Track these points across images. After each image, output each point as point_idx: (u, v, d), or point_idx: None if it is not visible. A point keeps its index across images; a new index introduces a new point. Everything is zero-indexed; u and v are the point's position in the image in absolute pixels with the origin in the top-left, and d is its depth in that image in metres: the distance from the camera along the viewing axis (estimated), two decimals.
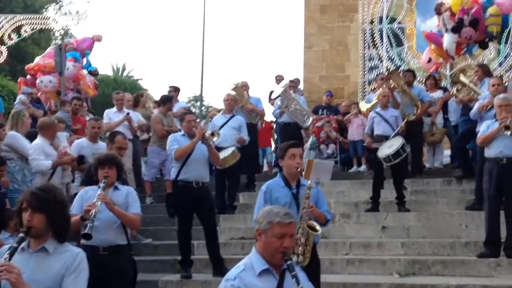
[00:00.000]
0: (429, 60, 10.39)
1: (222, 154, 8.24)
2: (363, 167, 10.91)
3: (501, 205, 6.66)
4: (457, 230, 7.62)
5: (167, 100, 9.73)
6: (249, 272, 3.10)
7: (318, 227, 4.35)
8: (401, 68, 12.77)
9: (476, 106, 7.97)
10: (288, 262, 3.10)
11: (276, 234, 3.09)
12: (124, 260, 4.86)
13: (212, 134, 7.09)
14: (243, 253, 6.31)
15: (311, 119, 10.51)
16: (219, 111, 10.37)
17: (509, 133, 6.38)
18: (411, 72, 10.20)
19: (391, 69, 11.82)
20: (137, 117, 9.67)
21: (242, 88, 10.00)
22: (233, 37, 71.17)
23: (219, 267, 6.64)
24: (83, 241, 4.89)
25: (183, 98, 32.77)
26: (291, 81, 11.13)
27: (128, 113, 9.33)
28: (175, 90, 11.38)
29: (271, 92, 11.90)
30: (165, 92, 11.31)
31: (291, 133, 9.69)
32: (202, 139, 6.68)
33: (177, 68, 68.88)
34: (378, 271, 6.83)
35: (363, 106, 10.33)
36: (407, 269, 6.70)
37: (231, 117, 8.87)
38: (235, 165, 8.47)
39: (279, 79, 11.91)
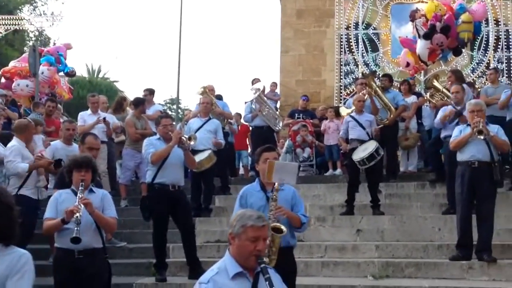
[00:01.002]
0: (407, 65, 10.52)
1: (198, 157, 8.24)
2: (338, 171, 11.00)
3: (473, 208, 6.78)
4: (430, 233, 7.73)
5: (140, 103, 9.69)
6: (222, 275, 3.10)
7: (284, 228, 4.34)
8: (378, 73, 12.93)
9: (439, 116, 8.11)
10: (262, 265, 3.12)
11: (249, 237, 3.10)
12: (99, 263, 4.83)
13: (189, 138, 7.08)
14: (218, 256, 6.30)
15: (281, 123, 10.58)
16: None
17: (482, 137, 6.50)
18: (387, 77, 10.32)
19: (368, 73, 11.91)
20: (112, 119, 9.59)
21: (209, 92, 10.02)
22: (210, 40, 71.11)
23: (196, 270, 6.63)
24: (57, 244, 4.85)
25: (159, 101, 32.73)
26: (272, 84, 11.18)
27: (104, 118, 9.23)
28: (151, 93, 11.32)
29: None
30: (141, 94, 11.23)
31: (263, 137, 9.73)
32: (179, 143, 6.67)
33: (154, 70, 68.50)
34: (353, 273, 6.89)
35: (344, 111, 10.40)
36: (381, 272, 6.77)
37: (207, 120, 8.87)
38: (211, 168, 8.47)
39: (255, 82, 11.93)
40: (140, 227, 8.29)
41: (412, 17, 10.78)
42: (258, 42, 71.34)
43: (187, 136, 7.08)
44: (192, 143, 7.18)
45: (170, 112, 27.57)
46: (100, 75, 35.79)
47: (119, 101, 10.64)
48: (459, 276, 6.58)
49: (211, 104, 9.28)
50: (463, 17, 10.08)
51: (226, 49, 69.49)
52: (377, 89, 9.75)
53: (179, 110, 24.38)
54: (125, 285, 6.69)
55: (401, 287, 6.31)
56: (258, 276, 3.13)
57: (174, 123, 10.86)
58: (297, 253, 6.32)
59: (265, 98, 10.42)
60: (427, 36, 9.96)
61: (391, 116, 9.59)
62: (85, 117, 9.34)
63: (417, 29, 10.13)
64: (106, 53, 66.01)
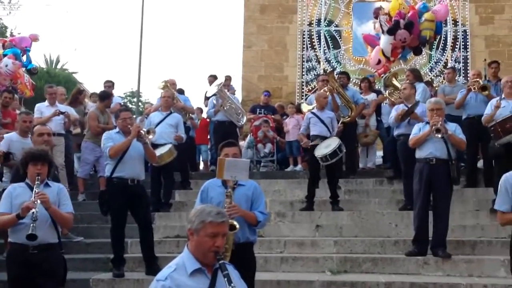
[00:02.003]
0: (379, 62, 10.63)
1: (159, 151, 8.15)
2: (299, 167, 11.07)
3: (430, 205, 6.93)
4: (388, 229, 7.86)
5: (106, 97, 9.52)
6: (180, 272, 3.07)
7: (237, 226, 4.32)
8: (337, 70, 13.06)
9: (392, 114, 8.26)
10: (220, 262, 3.10)
11: (208, 233, 3.08)
12: (54, 259, 4.73)
13: (148, 132, 7.00)
14: (178, 252, 6.26)
15: (245, 118, 10.54)
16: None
17: (439, 136, 6.64)
18: (345, 75, 10.41)
19: (329, 71, 12.00)
20: (70, 112, 9.39)
21: (171, 86, 9.94)
22: (173, 33, 70.40)
23: (153, 266, 6.58)
24: (10, 239, 4.73)
25: (119, 94, 32.26)
26: (226, 79, 11.11)
27: (65, 112, 9.02)
28: (112, 84, 11.15)
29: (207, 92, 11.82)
30: (101, 86, 11.05)
31: (226, 131, 9.68)
32: (138, 137, 6.59)
33: (114, 62, 67.45)
34: (311, 268, 6.95)
35: (305, 107, 10.46)
36: (339, 267, 6.85)
37: (168, 114, 8.79)
38: (171, 163, 8.40)
39: (210, 80, 11.88)
40: (98, 221, 8.15)
41: (376, 14, 10.91)
42: (221, 37, 71.10)
43: (146, 130, 6.99)
44: (151, 136, 7.10)
45: (130, 105, 27.25)
46: (59, 66, 34.96)
47: (75, 94, 10.42)
48: (414, 271, 6.71)
49: (172, 98, 9.20)
50: (426, 15, 10.26)
51: (189, 43, 69.01)
52: (339, 86, 9.83)
53: (140, 104, 24.06)
54: (81, 280, 6.59)
55: (358, 282, 6.39)
56: (216, 273, 3.12)
57: (134, 116, 10.75)
58: (257, 249, 6.31)
59: (228, 93, 10.34)
60: (391, 31, 10.10)
61: (352, 113, 9.70)
62: (42, 109, 9.10)
63: (381, 25, 10.25)
64: (65, 44, 64.63)
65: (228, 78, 11.98)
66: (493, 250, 7.03)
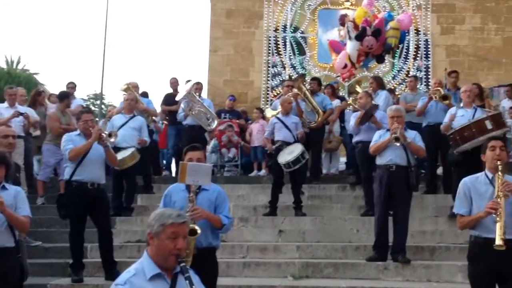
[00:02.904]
0: (345, 66, 10.73)
1: (121, 155, 8.06)
2: (263, 172, 11.09)
3: (390, 211, 7.03)
4: (349, 234, 7.94)
5: (64, 97, 9.35)
6: (140, 277, 3.03)
7: (199, 230, 4.30)
8: (307, 76, 13.14)
9: (352, 122, 8.37)
10: (182, 265, 3.08)
11: (169, 235, 3.06)
12: (9, 263, 4.60)
13: (110, 135, 6.90)
14: (139, 256, 6.09)
15: (216, 122, 10.45)
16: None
17: (398, 144, 6.75)
18: (316, 81, 10.47)
19: (296, 76, 12.05)
20: (31, 113, 9.19)
21: (133, 88, 9.84)
22: (138, 36, 69.77)
23: (112, 271, 6.48)
24: None
25: (82, 96, 31.73)
26: (196, 83, 11.04)
27: (24, 113, 8.82)
28: (74, 86, 10.97)
29: (166, 95, 11.72)
30: (63, 87, 10.84)
31: (194, 136, 9.61)
32: (99, 140, 6.49)
33: (77, 63, 66.43)
34: (274, 274, 6.96)
35: (269, 112, 10.49)
36: (301, 272, 6.88)
37: (131, 117, 8.68)
38: (133, 167, 8.30)
39: (172, 82, 11.79)
40: (57, 226, 8.00)
41: (342, 21, 11.03)
42: (187, 41, 70.83)
43: (107, 133, 6.89)
44: (112, 140, 6.99)
45: (93, 108, 26.86)
46: (20, 67, 34.23)
47: (33, 96, 10.20)
48: (374, 276, 6.80)
49: (135, 101, 9.11)
50: (392, 23, 10.44)
51: (154, 46, 68.45)
52: (306, 92, 9.90)
53: (103, 106, 23.74)
54: (39, 286, 6.44)
55: (319, 287, 6.43)
56: (176, 278, 3.09)
57: (97, 119, 10.59)
58: (219, 254, 6.26)
59: (197, 97, 10.25)
60: (359, 37, 10.23)
61: (319, 119, 9.77)
62: (1, 110, 8.88)
63: (348, 31, 10.37)
64: (26, 44, 63.37)
65: (173, 80, 11.90)
66: (451, 255, 7.18)
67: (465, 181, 4.57)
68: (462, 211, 4.50)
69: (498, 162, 4.38)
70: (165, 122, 11.73)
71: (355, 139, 8.41)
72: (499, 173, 4.34)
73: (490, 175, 4.45)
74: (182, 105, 10.08)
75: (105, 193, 6.86)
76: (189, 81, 11.18)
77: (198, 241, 4.41)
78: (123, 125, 8.53)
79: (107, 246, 6.68)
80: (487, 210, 4.25)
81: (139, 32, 68.09)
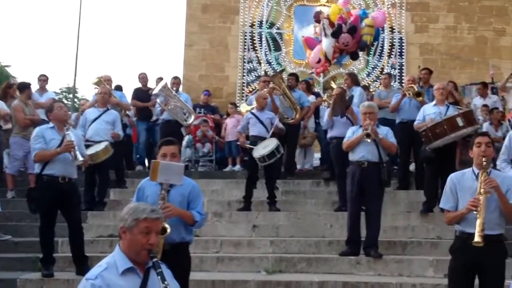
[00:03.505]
0: (319, 61, 10.75)
1: (94, 149, 7.99)
2: (237, 167, 11.08)
3: (363, 206, 7.09)
4: (323, 229, 7.98)
5: (25, 87, 9.22)
6: (111, 271, 3.00)
7: (168, 229, 4.27)
8: (285, 72, 13.15)
9: (325, 116, 8.41)
10: (154, 260, 3.06)
11: (142, 230, 3.03)
12: None
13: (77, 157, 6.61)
14: (111, 251, 6.05)
15: (193, 117, 10.37)
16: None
17: (369, 140, 6.81)
18: (294, 76, 10.46)
19: (275, 72, 12.04)
20: (0, 106, 9.02)
21: (106, 82, 9.73)
22: (112, 29, 68.93)
23: (83, 265, 6.40)
24: None
25: (55, 89, 31.28)
26: (174, 78, 10.96)
27: None
28: (46, 79, 10.79)
29: (136, 90, 11.62)
30: (35, 80, 10.65)
31: (170, 131, 9.55)
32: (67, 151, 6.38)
33: (50, 56, 65.37)
34: (247, 268, 6.96)
35: (244, 107, 10.48)
36: (274, 267, 6.90)
37: (105, 111, 8.59)
38: (106, 161, 8.21)
39: (142, 77, 11.69)
40: (27, 220, 7.86)
41: (317, 18, 11.08)
42: (162, 34, 70.24)
43: (78, 155, 6.57)
44: (80, 159, 6.56)
45: (66, 101, 26.46)
46: None
47: (4, 88, 10.02)
48: (347, 271, 6.85)
49: (109, 94, 9.01)
50: (366, 21, 10.52)
51: (129, 39, 67.74)
52: (285, 88, 9.90)
53: (76, 100, 23.43)
54: (9, 280, 6.35)
55: (292, 282, 6.46)
56: (148, 272, 3.07)
57: (69, 112, 10.43)
58: (193, 249, 6.25)
59: (173, 92, 10.16)
60: (335, 34, 10.27)
61: (297, 116, 9.78)
62: None
63: (324, 28, 10.41)
64: None
65: (143, 76, 11.80)
66: (423, 250, 7.28)
67: (452, 177, 4.64)
68: (447, 206, 4.58)
69: (483, 159, 4.43)
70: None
71: (329, 134, 8.45)
72: (483, 169, 4.39)
73: (476, 171, 4.50)
74: (158, 100, 10.00)
75: (76, 187, 6.76)
76: (161, 78, 11.13)
77: (171, 237, 4.37)
78: (96, 118, 8.44)
79: (78, 240, 6.60)
80: (468, 207, 4.32)
81: (113, 25, 67.33)
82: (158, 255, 4.05)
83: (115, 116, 8.67)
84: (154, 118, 10.98)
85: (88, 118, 8.49)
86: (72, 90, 23.06)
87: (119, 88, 10.71)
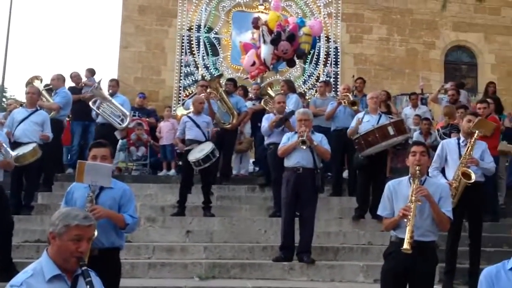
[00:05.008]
0: (253, 63, 10.76)
1: (22, 150, 7.65)
2: (172, 171, 10.94)
3: (297, 212, 7.14)
4: (257, 235, 7.99)
5: None
6: (38, 278, 2.88)
7: (95, 234, 4.14)
8: (223, 77, 13.11)
9: (265, 123, 8.46)
10: (83, 268, 2.95)
11: (72, 237, 2.93)
12: None
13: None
14: (38, 257, 5.84)
15: (128, 120, 10.10)
16: (21, 104, 9.62)
17: (304, 147, 6.88)
18: (232, 82, 10.45)
19: (213, 76, 11.99)
20: None
21: (73, 78, 9.41)
22: (46, 27, 66.67)
23: (9, 271, 6.09)
24: None
25: None
26: (110, 81, 10.68)
27: None
28: None
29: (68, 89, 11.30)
30: None
31: (103, 134, 9.27)
32: None
33: None
34: (180, 274, 6.86)
35: (180, 111, 10.37)
36: (208, 273, 6.84)
37: (33, 112, 8.25)
38: (34, 163, 7.89)
39: (74, 75, 11.39)
40: None
41: (255, 24, 11.14)
42: (97, 35, 68.58)
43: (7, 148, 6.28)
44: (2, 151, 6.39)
45: None
46: None
47: None
48: (280, 276, 6.88)
49: (38, 94, 8.66)
50: (304, 29, 10.67)
51: (62, 38, 65.65)
52: (223, 93, 9.86)
53: (4, 99, 22.49)
54: None
55: (225, 287, 6.41)
56: (77, 280, 2.96)
57: None
58: (124, 254, 6.13)
59: (106, 95, 9.88)
60: (274, 41, 10.34)
61: (234, 121, 9.76)
62: None
63: (263, 35, 10.47)
64: None
65: (87, 72, 11.52)
66: (354, 256, 7.41)
67: (389, 185, 4.74)
68: (384, 213, 4.68)
69: (417, 168, 4.54)
70: (67, 118, 11.29)
71: (267, 141, 8.48)
72: (416, 178, 4.50)
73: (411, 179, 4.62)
74: (90, 103, 9.72)
75: (3, 190, 6.46)
76: (90, 70, 10.85)
77: (100, 241, 4.25)
78: (24, 119, 8.10)
79: (6, 245, 6.29)
80: (399, 214, 4.43)
81: (47, 23, 65.13)
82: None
83: (45, 117, 8.35)
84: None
85: (15, 118, 8.14)
86: (0, 89, 22.09)
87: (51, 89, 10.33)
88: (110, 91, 10.12)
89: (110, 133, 9.62)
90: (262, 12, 14.71)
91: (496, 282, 3.11)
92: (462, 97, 10.80)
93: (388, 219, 4.65)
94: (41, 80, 9.95)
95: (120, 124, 9.80)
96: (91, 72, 11.68)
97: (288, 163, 7.07)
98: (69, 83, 11.28)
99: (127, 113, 9.93)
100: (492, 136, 7.45)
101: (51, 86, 9.90)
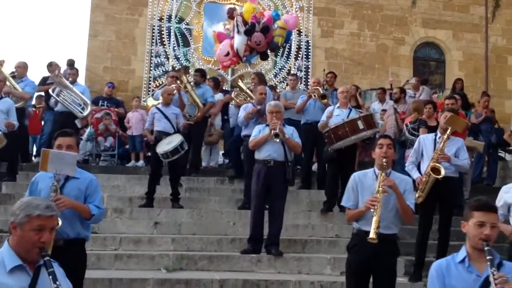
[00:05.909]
0: (227, 54, 10.68)
1: None
2: (141, 162, 10.83)
3: (266, 204, 7.14)
4: (225, 227, 7.97)
5: None
6: None
7: (59, 223, 4.06)
8: (191, 69, 13.00)
9: (241, 114, 8.44)
10: (46, 258, 2.89)
11: (34, 227, 2.88)
12: None
13: None
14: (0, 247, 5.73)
15: (89, 109, 9.96)
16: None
17: (277, 140, 6.86)
18: (199, 72, 10.36)
19: (180, 67, 11.87)
20: None
21: (53, 67, 9.23)
22: (12, 13, 65.10)
23: None
24: None
25: None
26: (70, 68, 10.50)
27: None
28: None
29: (44, 78, 11.06)
30: None
31: (63, 122, 9.12)
32: None
33: None
34: (147, 266, 6.79)
35: (150, 101, 10.27)
36: (175, 264, 6.79)
37: None
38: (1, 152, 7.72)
39: (54, 64, 11.15)
40: None
41: (230, 14, 11.06)
42: (65, 23, 67.24)
43: None
44: None
45: None
46: None
47: None
48: (248, 268, 6.87)
49: (4, 82, 8.46)
50: (279, 22, 10.65)
51: (27, 25, 64.18)
52: (187, 84, 9.78)
53: None
54: None
55: (192, 279, 6.37)
56: (39, 270, 2.91)
57: None
58: (90, 245, 6.05)
59: (67, 83, 9.71)
60: (248, 32, 10.28)
61: (199, 113, 9.68)
62: None
63: (237, 25, 10.41)
64: None
65: (71, 63, 11.28)
66: (322, 248, 7.45)
67: (354, 176, 4.77)
68: (348, 204, 4.71)
69: (384, 160, 4.59)
70: (40, 107, 11.07)
71: (243, 132, 8.42)
72: (382, 170, 4.57)
73: (377, 171, 4.67)
74: (50, 91, 9.54)
75: None
76: (51, 64, 10.65)
77: (65, 232, 4.17)
78: None
79: None
80: (366, 205, 4.47)
81: (12, 9, 63.58)
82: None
83: (10, 105, 8.15)
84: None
85: None
86: None
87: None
88: (70, 79, 9.96)
89: (69, 121, 9.45)
90: (234, 4, 14.67)
91: (447, 275, 3.21)
92: (425, 93, 10.96)
93: (352, 210, 4.69)
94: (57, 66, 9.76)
95: (81, 113, 9.69)
96: (70, 64, 11.44)
97: (259, 155, 7.04)
98: (45, 72, 11.10)
99: (88, 102, 9.82)
100: (460, 133, 7.56)
101: (15, 73, 9.67)
